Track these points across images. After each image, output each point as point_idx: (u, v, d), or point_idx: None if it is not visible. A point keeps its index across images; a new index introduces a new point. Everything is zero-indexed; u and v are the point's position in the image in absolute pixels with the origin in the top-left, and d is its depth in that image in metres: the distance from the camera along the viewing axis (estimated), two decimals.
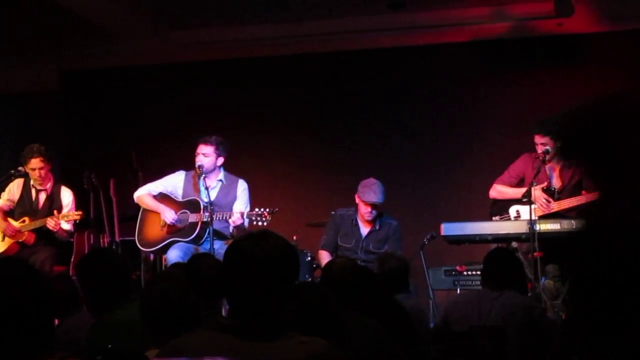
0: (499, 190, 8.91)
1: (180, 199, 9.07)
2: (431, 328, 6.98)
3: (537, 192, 8.42)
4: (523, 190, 8.45)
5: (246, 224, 8.73)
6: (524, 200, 8.23)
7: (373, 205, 9.01)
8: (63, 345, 4.94)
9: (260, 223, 8.57)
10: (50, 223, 9.08)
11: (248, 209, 8.80)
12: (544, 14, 10.50)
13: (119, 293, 4.61)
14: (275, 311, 3.15)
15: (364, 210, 9.07)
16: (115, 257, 5.02)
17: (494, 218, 8.78)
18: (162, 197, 9.13)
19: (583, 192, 8.68)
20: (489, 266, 6.49)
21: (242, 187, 9.12)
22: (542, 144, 8.52)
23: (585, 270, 2.38)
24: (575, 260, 2.42)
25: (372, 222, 9.14)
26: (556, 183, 8.67)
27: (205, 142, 8.98)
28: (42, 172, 9.25)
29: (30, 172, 9.27)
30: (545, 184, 8.60)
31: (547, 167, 8.65)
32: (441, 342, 6.29)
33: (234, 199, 9.00)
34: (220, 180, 9.07)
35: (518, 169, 8.86)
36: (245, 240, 3.25)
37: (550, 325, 6.31)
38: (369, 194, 9.00)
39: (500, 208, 8.85)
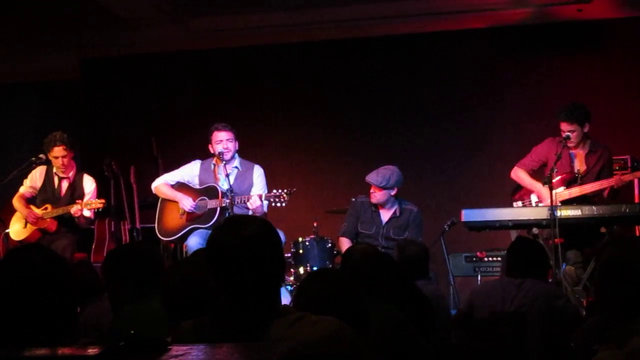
0: (518, 176, 8.90)
1: (197, 187, 9.09)
2: (454, 314, 6.99)
3: (544, 192, 8.46)
4: (538, 185, 8.52)
5: (265, 207, 8.75)
6: (545, 185, 8.22)
7: (376, 187, 9.02)
8: (85, 331, 4.97)
9: (278, 204, 8.59)
10: (73, 209, 9.10)
11: (266, 192, 8.81)
12: (563, 0, 10.46)
13: (147, 287, 4.58)
14: (268, 290, 3.15)
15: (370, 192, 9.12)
16: (147, 253, 4.98)
17: (515, 204, 8.76)
18: (180, 186, 9.15)
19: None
20: (512, 255, 6.48)
21: (257, 172, 9.12)
22: (570, 131, 8.48)
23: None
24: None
25: (382, 206, 9.15)
26: (580, 167, 8.63)
27: (225, 129, 8.98)
28: (65, 160, 9.28)
29: (53, 160, 9.29)
30: (564, 176, 8.56)
31: (571, 152, 8.63)
32: (464, 327, 6.30)
33: (251, 184, 9.01)
34: (236, 167, 9.08)
35: (541, 153, 8.82)
36: (218, 230, 3.24)
37: (575, 313, 6.31)
38: (370, 174, 9.04)
39: (522, 194, 8.85)
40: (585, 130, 8.57)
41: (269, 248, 3.18)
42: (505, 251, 6.80)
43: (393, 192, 9.08)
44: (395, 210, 9.16)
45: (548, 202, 8.20)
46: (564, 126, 8.53)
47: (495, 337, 5.93)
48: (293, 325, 3.07)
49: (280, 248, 3.29)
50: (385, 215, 9.18)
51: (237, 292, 3.12)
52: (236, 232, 3.15)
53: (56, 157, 9.26)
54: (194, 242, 8.68)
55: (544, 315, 6.07)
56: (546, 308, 6.10)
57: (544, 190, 8.49)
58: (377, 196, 9.07)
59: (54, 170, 9.42)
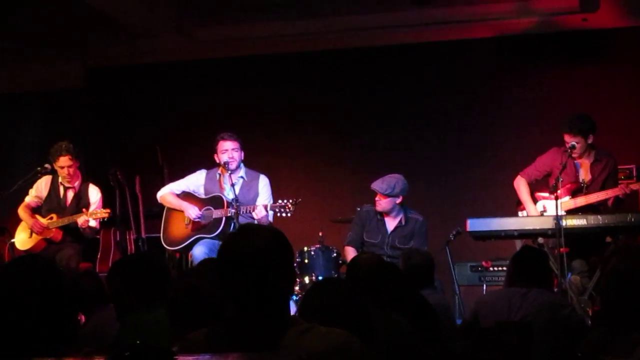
0: (519, 186, 8.89)
1: (203, 196, 9.09)
2: (460, 324, 6.98)
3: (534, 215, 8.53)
4: (531, 206, 8.57)
5: (270, 217, 8.75)
6: (551, 194, 8.23)
7: (381, 195, 9.02)
8: (90, 340, 4.97)
9: (284, 214, 8.58)
10: (80, 219, 9.11)
11: (271, 202, 8.81)
12: (568, 9, 10.47)
13: (153, 296, 4.58)
14: (278, 301, 3.15)
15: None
16: (153, 263, 4.97)
17: (520, 213, 8.76)
18: (185, 196, 9.15)
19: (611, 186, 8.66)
20: (517, 265, 6.46)
21: (263, 182, 9.12)
22: (576, 142, 8.49)
23: None
24: None
25: (388, 214, 9.14)
26: (585, 177, 8.63)
27: (231, 139, 8.98)
28: (71, 169, 9.29)
29: (59, 170, 9.31)
30: (569, 185, 8.55)
31: (576, 161, 8.63)
32: (469, 337, 6.29)
33: (256, 194, 9.00)
34: (242, 177, 9.08)
35: (545, 163, 8.82)
36: (230, 239, 3.23)
37: (581, 323, 6.29)
38: (376, 182, 9.05)
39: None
40: (589, 141, 8.56)
41: (280, 258, 3.16)
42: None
43: (398, 200, 9.08)
44: (400, 219, 9.15)
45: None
46: (568, 138, 8.53)
47: (500, 347, 5.91)
48: (302, 335, 3.07)
49: (292, 258, 3.28)
50: (390, 224, 9.17)
51: (247, 301, 3.11)
52: (248, 242, 3.13)
53: (62, 167, 9.27)
54: (199, 251, 8.68)
55: (550, 324, 6.06)
56: (551, 318, 6.08)
57: (534, 213, 8.55)
58: (382, 204, 9.07)
59: (60, 180, 9.43)
